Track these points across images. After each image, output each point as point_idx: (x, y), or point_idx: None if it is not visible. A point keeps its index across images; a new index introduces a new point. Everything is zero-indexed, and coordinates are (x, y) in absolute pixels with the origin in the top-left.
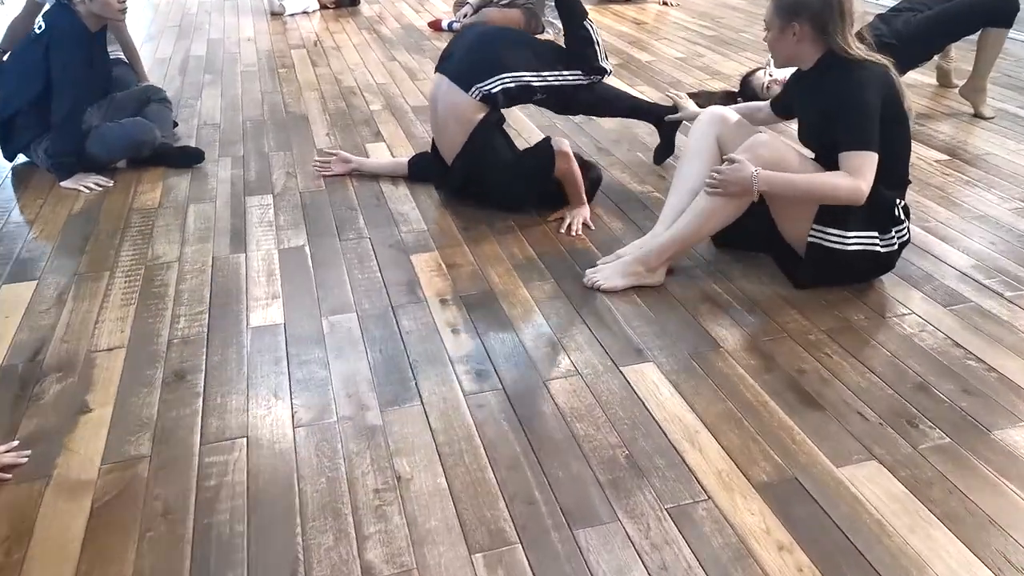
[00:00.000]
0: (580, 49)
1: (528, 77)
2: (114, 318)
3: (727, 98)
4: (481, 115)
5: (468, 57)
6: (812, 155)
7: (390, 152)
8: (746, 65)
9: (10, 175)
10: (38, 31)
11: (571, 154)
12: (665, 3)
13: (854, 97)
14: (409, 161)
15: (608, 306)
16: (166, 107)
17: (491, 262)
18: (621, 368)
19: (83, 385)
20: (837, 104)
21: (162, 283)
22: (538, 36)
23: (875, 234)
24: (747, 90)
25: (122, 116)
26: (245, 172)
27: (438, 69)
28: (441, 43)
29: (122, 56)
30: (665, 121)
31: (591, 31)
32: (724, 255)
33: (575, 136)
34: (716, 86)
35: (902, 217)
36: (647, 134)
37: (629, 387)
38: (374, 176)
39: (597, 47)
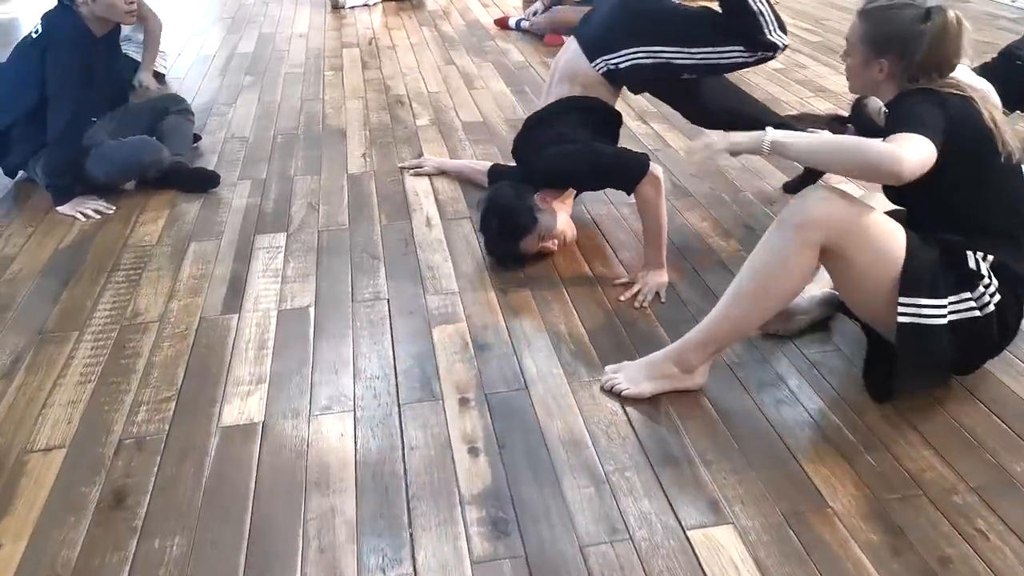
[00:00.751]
0: (737, 18)
1: (670, 53)
2: (65, 401)
3: (835, 123)
4: (600, 95)
5: (604, 22)
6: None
7: (429, 179)
8: None
9: (12, 192)
10: (35, 34)
11: (662, 187)
12: None
13: (904, 106)
14: (489, 170)
15: (676, 424)
16: (186, 119)
17: (531, 342)
18: (688, 531)
19: (1, 505)
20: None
21: (134, 352)
22: (691, 11)
23: (967, 295)
24: (860, 115)
25: (133, 131)
26: (263, 201)
27: (574, 32)
28: (505, 43)
29: (136, 49)
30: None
31: None
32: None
33: None
34: (821, 107)
35: (983, 272)
36: (736, 167)
37: (697, 564)
38: (417, 208)
39: (761, 17)
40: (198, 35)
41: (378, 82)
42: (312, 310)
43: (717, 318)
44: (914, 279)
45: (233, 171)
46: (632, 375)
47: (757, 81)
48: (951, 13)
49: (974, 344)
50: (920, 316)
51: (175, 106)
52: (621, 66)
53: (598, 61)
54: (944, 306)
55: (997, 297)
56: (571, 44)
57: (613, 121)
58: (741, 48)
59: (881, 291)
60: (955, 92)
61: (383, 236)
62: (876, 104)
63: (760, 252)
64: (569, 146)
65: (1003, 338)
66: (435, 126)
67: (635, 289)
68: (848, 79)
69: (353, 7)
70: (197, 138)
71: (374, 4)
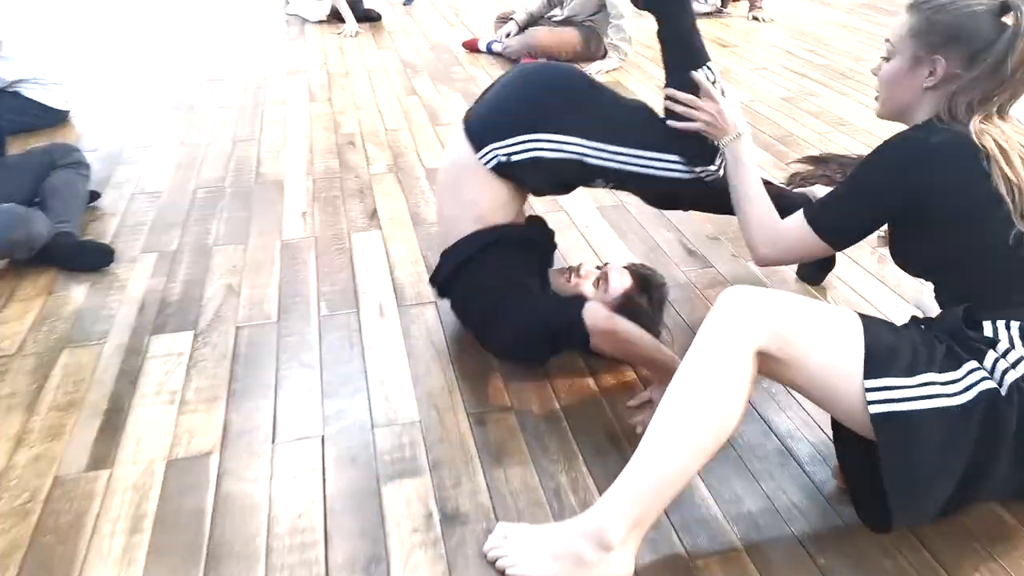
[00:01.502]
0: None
1: (581, 148)
2: None
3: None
4: (495, 202)
5: (498, 98)
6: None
7: (385, 250)
8: (873, 107)
9: None
10: None
11: (616, 327)
12: (755, 17)
13: (877, 150)
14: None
15: None
16: (78, 174)
17: (520, 509)
18: None
19: None
20: None
21: None
22: (621, 101)
23: (973, 365)
24: None
25: (5, 192)
26: (168, 283)
27: (465, 116)
28: (476, 69)
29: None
30: None
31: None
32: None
33: (648, 228)
34: (844, 143)
35: (1001, 338)
36: None
37: None
38: (366, 291)
39: None
40: (111, 58)
41: (327, 118)
42: (214, 460)
43: (638, 470)
44: (880, 357)
45: (136, 240)
46: (521, 551)
47: (767, 113)
48: None
49: (1000, 430)
50: (894, 400)
51: (64, 158)
52: (515, 158)
53: (487, 151)
54: (930, 383)
55: (989, 386)
56: (457, 134)
57: (536, 249)
58: (677, 160)
59: (850, 386)
60: (955, 131)
61: (321, 334)
62: None
63: (682, 375)
64: (490, 318)
65: (974, 435)
66: (393, 173)
67: (646, 415)
68: (882, 92)
69: (306, 20)
70: (95, 196)
71: (320, 21)
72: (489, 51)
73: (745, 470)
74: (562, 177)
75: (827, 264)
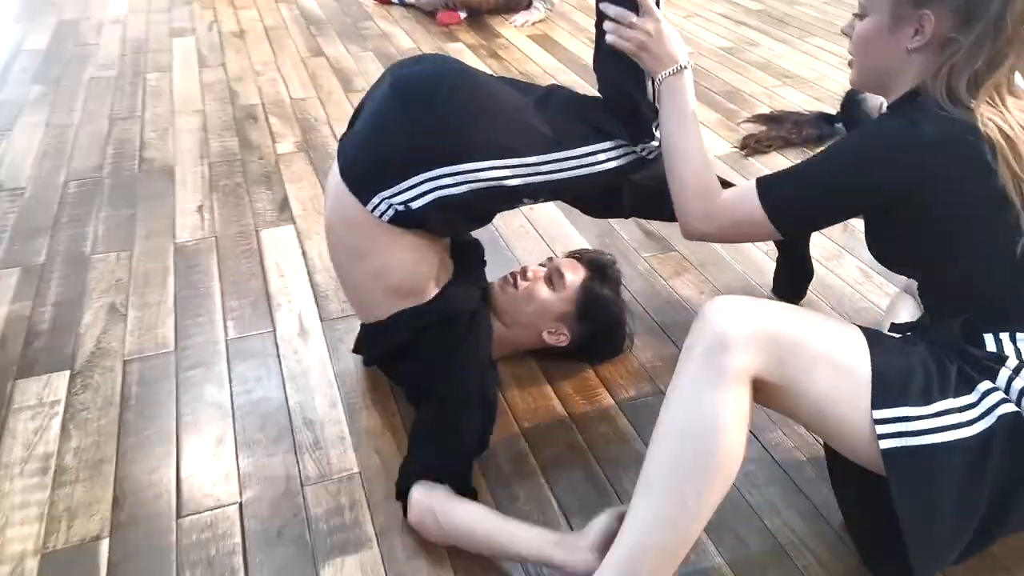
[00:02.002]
0: (624, 94)
1: (496, 171)
2: None
3: (822, 124)
4: (407, 262)
5: (375, 136)
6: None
7: (300, 248)
8: (821, 59)
9: None
10: None
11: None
12: None
13: (850, 134)
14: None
15: None
16: None
17: (488, 572)
18: None
19: None
20: None
21: None
22: (525, 94)
23: (988, 385)
24: (856, 114)
25: None
26: (35, 308)
27: (340, 143)
28: (389, 24)
29: None
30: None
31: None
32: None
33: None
34: (795, 99)
35: (1007, 353)
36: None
37: None
38: (283, 302)
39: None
40: None
41: (221, 87)
42: (104, 548)
43: (633, 547)
44: (890, 383)
45: None
46: None
47: (708, 66)
48: None
49: (975, 486)
50: (907, 434)
51: None
52: (413, 205)
53: (376, 203)
54: (946, 412)
55: (1008, 409)
56: (334, 174)
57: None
58: (614, 146)
59: (856, 416)
60: (951, 117)
61: (231, 363)
62: (874, 101)
63: (670, 419)
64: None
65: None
66: (303, 152)
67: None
68: (856, 57)
69: None
70: None
71: None
72: (401, 2)
73: (744, 504)
74: (480, 211)
75: (805, 275)
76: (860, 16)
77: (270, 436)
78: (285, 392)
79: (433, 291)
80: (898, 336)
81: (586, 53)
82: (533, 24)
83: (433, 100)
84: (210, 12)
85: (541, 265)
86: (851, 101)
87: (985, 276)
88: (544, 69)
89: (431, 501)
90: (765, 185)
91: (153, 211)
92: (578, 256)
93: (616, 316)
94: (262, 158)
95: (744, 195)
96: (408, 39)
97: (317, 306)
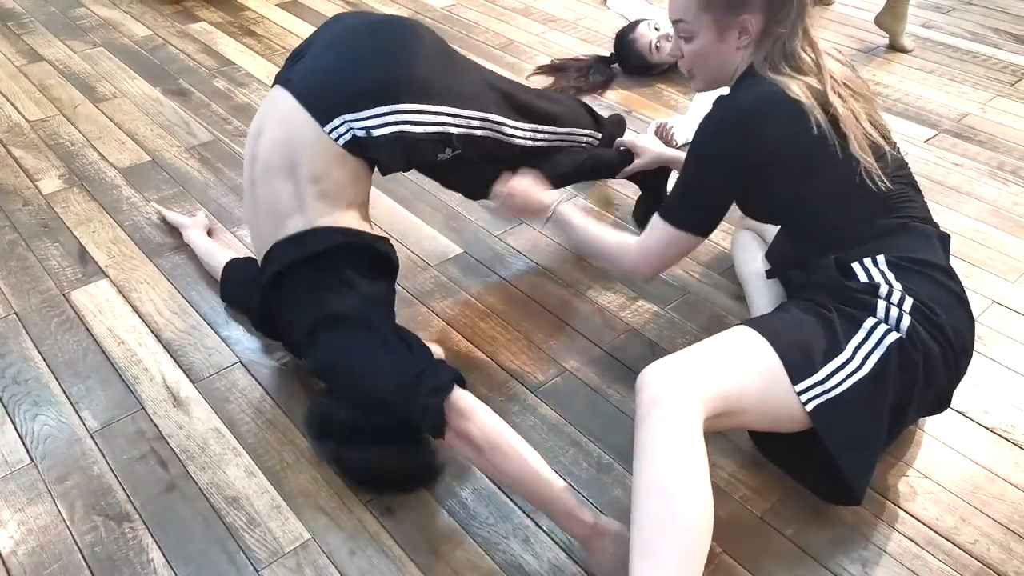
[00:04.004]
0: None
1: (464, 118)
2: None
3: (599, 67)
4: (346, 179)
5: (340, 63)
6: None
7: (128, 305)
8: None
9: None
10: None
11: (474, 408)
12: None
13: (697, 134)
14: (227, 265)
15: None
16: None
17: None
18: None
19: None
20: None
21: None
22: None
23: (871, 321)
24: (628, 54)
25: None
26: None
27: (278, 79)
28: (108, 9)
29: None
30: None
31: None
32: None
33: (438, 190)
34: (566, 43)
35: (878, 281)
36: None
37: None
38: (138, 372)
39: None
40: None
41: None
42: None
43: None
44: (796, 361)
45: None
46: None
47: (474, 19)
48: None
49: (913, 373)
50: (821, 393)
51: None
52: (375, 132)
53: (337, 124)
54: (844, 365)
55: (910, 302)
56: (278, 102)
57: (383, 265)
58: (585, 133)
59: (788, 400)
60: (772, 81)
61: (106, 457)
62: (644, 38)
63: (646, 493)
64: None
65: (948, 347)
66: (78, 187)
67: None
68: (695, 73)
69: None
70: None
71: None
72: None
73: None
74: (423, 157)
75: (657, 194)
76: (687, 39)
77: (195, 532)
78: (189, 473)
79: (362, 223)
80: (779, 308)
81: (500, 28)
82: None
83: (410, 43)
84: None
85: None
86: (622, 41)
87: (836, 206)
88: None
89: (475, 402)
90: (670, 215)
91: None
92: None
93: None
94: (27, 204)
95: (655, 230)
96: (140, 25)
97: (180, 367)
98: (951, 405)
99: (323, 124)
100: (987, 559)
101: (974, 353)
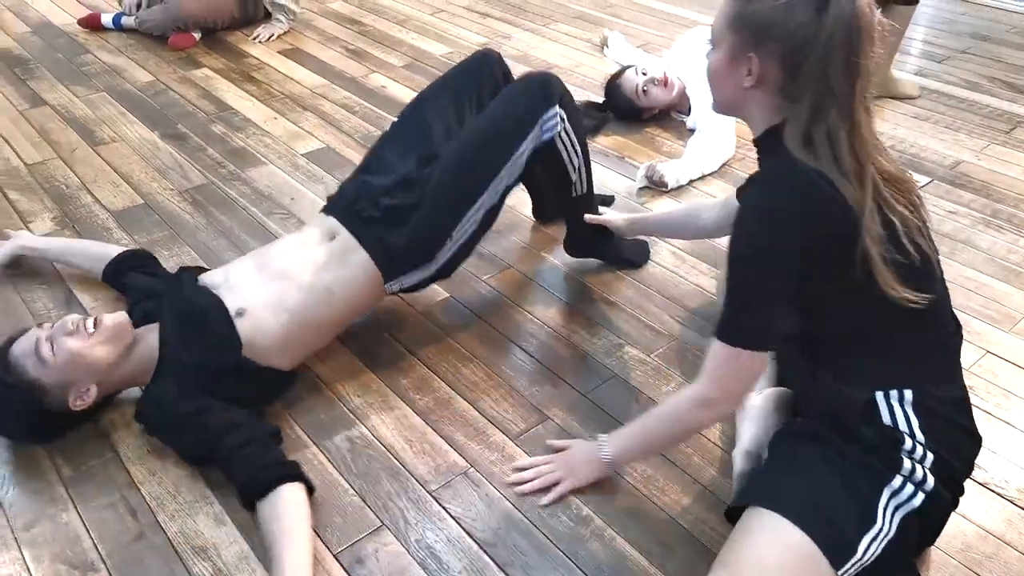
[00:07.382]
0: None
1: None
2: None
3: (591, 112)
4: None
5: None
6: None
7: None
8: (570, 45)
9: None
10: None
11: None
12: None
13: (734, 241)
14: (115, 258)
15: None
16: None
17: None
18: None
19: None
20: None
21: None
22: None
23: (898, 481)
24: (617, 99)
25: None
26: None
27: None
28: (112, 55)
29: None
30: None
31: None
32: None
33: None
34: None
35: (903, 429)
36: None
37: None
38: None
39: None
40: None
41: None
42: None
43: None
44: (834, 544)
45: None
46: None
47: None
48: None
49: (933, 521)
50: (865, 561)
51: None
52: (407, 284)
53: (395, 281)
54: (873, 540)
55: (931, 458)
56: (326, 236)
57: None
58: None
59: None
60: (802, 168)
61: (76, 505)
62: (631, 83)
63: None
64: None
65: (960, 491)
66: (69, 229)
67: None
68: (709, 85)
69: None
70: None
71: None
72: (118, 27)
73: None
74: None
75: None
76: (711, 47)
77: None
78: (159, 522)
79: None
80: (791, 459)
81: (342, 63)
82: (279, 37)
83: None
84: None
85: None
86: (611, 87)
87: (860, 329)
88: (311, 89)
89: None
90: (722, 333)
91: None
92: None
93: None
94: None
95: (717, 357)
96: (143, 71)
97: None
98: None
99: (386, 280)
100: None
101: None
